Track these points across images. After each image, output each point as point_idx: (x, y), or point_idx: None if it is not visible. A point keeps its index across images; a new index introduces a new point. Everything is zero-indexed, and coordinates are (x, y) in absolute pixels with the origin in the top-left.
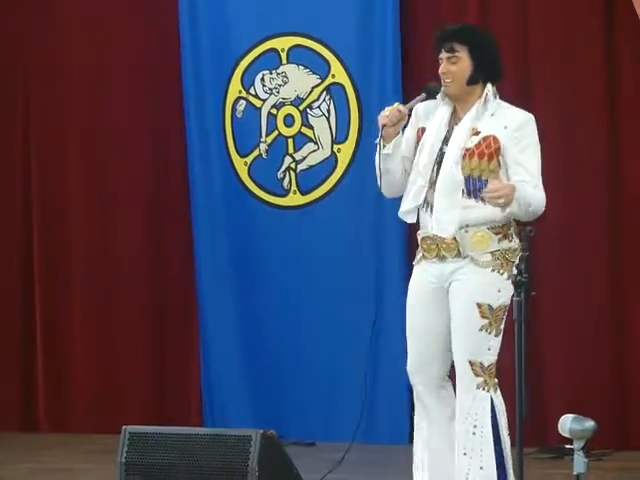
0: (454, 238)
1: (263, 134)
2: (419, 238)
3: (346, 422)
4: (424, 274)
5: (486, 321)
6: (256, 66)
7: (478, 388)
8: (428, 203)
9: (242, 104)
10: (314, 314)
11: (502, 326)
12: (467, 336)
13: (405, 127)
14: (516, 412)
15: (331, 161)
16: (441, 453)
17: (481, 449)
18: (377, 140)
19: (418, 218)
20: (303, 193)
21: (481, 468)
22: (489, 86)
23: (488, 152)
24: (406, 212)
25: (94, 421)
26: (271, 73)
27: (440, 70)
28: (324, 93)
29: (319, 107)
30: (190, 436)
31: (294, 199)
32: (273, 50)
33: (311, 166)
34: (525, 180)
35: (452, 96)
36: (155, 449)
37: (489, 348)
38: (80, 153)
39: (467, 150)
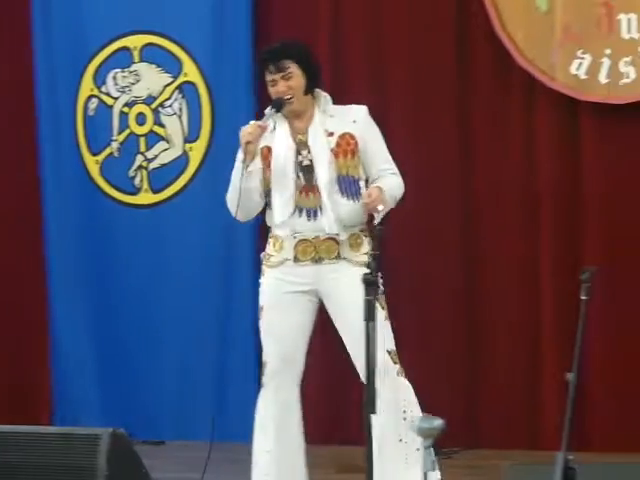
0: (335, 240)
1: (115, 132)
2: (292, 242)
3: (196, 421)
4: (287, 276)
5: (385, 311)
6: (108, 64)
7: (399, 375)
8: (302, 208)
9: (94, 102)
10: (165, 313)
11: None
12: (379, 328)
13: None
14: (364, 411)
15: (183, 160)
16: (294, 455)
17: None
18: (242, 160)
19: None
20: (155, 191)
21: (417, 449)
22: (321, 91)
23: (349, 149)
24: (282, 223)
25: None
26: (123, 71)
27: (278, 89)
28: (176, 92)
29: (171, 106)
30: (38, 435)
31: (146, 197)
32: (125, 48)
33: (163, 165)
34: (385, 168)
35: (295, 111)
36: (1, 448)
37: (393, 337)
38: None
39: (332, 151)
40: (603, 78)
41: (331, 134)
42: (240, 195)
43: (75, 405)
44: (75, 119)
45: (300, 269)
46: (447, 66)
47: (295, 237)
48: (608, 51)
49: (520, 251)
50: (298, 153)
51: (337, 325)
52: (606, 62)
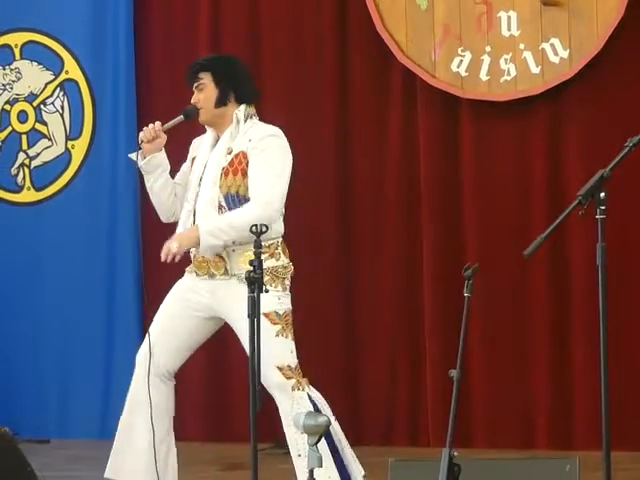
0: (221, 257)
1: None
2: (191, 255)
3: (80, 419)
4: (193, 286)
5: (279, 327)
6: None
7: (294, 390)
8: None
9: None
10: (48, 311)
11: (292, 329)
12: (267, 345)
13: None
14: (249, 408)
15: (65, 157)
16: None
17: None
18: (132, 155)
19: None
20: (38, 189)
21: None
22: (242, 107)
23: (240, 168)
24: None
25: None
26: (4, 69)
27: (192, 100)
28: (58, 89)
29: (53, 103)
30: None
31: (29, 195)
32: (7, 46)
33: (45, 162)
34: (250, 194)
35: (205, 122)
36: None
37: (291, 351)
38: None
39: (223, 169)
40: (484, 75)
41: (230, 152)
42: (152, 196)
43: None
44: None
45: (201, 282)
46: (328, 64)
47: (191, 252)
48: (488, 48)
49: (401, 249)
50: (205, 167)
51: (240, 338)
52: (486, 59)
